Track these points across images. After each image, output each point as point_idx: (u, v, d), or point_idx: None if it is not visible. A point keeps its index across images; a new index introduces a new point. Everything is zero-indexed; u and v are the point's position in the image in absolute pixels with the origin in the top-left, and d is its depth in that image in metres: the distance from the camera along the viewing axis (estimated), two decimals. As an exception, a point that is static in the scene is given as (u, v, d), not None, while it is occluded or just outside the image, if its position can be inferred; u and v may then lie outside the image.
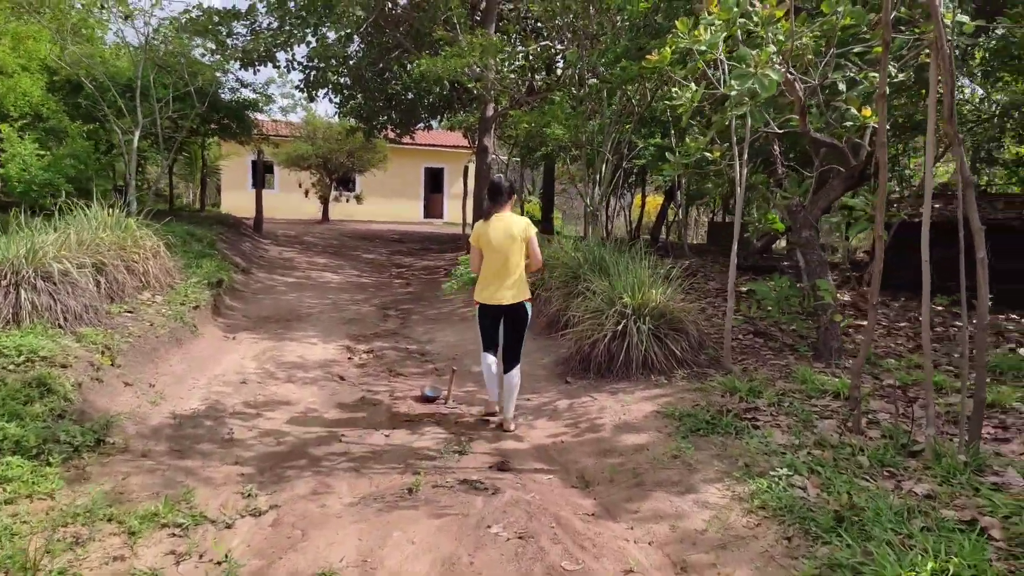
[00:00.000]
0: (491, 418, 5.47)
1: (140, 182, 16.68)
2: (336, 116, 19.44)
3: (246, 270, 11.68)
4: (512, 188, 5.22)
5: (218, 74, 14.66)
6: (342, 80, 17.06)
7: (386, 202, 28.84)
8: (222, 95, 15.03)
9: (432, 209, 31.17)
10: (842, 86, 5.85)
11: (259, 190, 17.19)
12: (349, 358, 7.12)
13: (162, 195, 17.84)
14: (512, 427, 5.20)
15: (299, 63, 15.42)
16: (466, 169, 17.97)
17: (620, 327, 6.01)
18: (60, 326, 5.57)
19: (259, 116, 17.19)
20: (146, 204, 11.17)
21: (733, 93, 4.93)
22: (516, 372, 5.24)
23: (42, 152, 10.18)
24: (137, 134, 11.22)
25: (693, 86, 5.38)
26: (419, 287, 12.20)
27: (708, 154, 5.83)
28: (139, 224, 8.16)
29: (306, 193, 26.12)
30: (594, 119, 10.63)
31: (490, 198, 5.26)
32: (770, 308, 6.56)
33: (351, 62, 16.69)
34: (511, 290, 5.14)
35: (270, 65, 14.94)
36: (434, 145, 30.46)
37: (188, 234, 11.40)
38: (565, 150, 18.12)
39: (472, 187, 22.54)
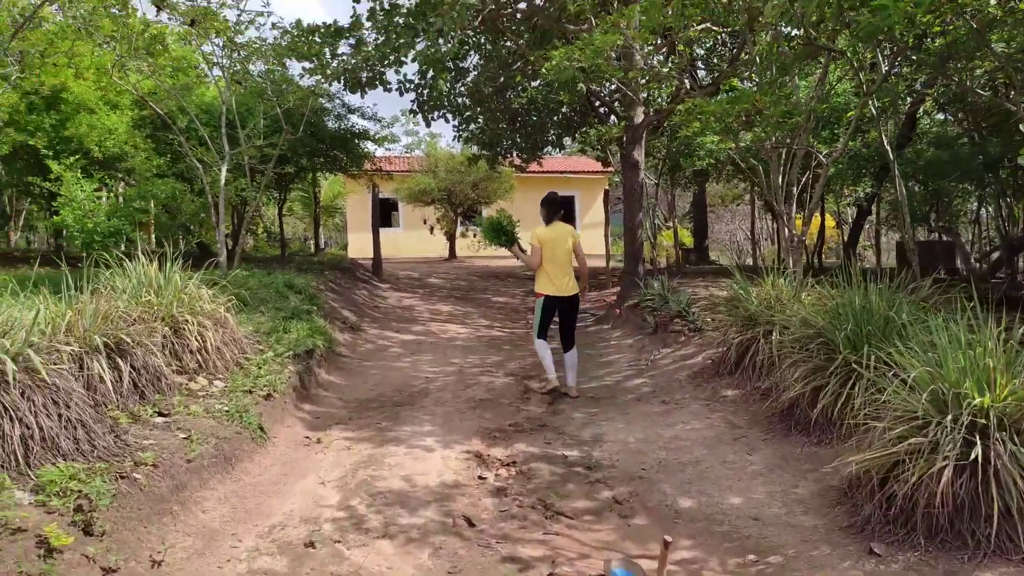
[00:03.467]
0: (556, 391, 6.38)
1: (253, 226, 15.31)
2: (456, 142, 17.52)
3: (355, 326, 9.59)
4: (563, 202, 6.53)
5: (322, 100, 12.99)
6: (459, 100, 15.07)
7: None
8: (327, 123, 13.33)
9: (563, 240, 28.82)
10: None
11: (376, 229, 15.39)
12: (480, 478, 4.64)
13: (275, 239, 16.44)
14: (575, 393, 6.33)
15: (410, 81, 13.49)
16: (606, 193, 15.46)
17: (974, 455, 3.19)
18: (17, 464, 3.42)
19: (371, 147, 15.43)
20: (237, 254, 9.37)
21: None
22: (574, 351, 6.51)
23: (101, 195, 8.55)
24: (224, 169, 9.46)
25: None
26: (563, 341, 9.67)
27: None
28: (198, 282, 6.13)
29: (431, 230, 24.46)
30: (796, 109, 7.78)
31: (548, 209, 6.43)
32: None
33: (468, 79, 14.69)
34: (571, 283, 6.29)
35: (383, 90, 13.14)
36: (563, 172, 28.29)
37: (286, 285, 9.47)
38: (722, 164, 15.24)
39: (619, 211, 20.10)
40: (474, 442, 5.31)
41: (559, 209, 6.38)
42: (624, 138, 10.91)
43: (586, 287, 6.65)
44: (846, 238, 15.79)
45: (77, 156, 9.56)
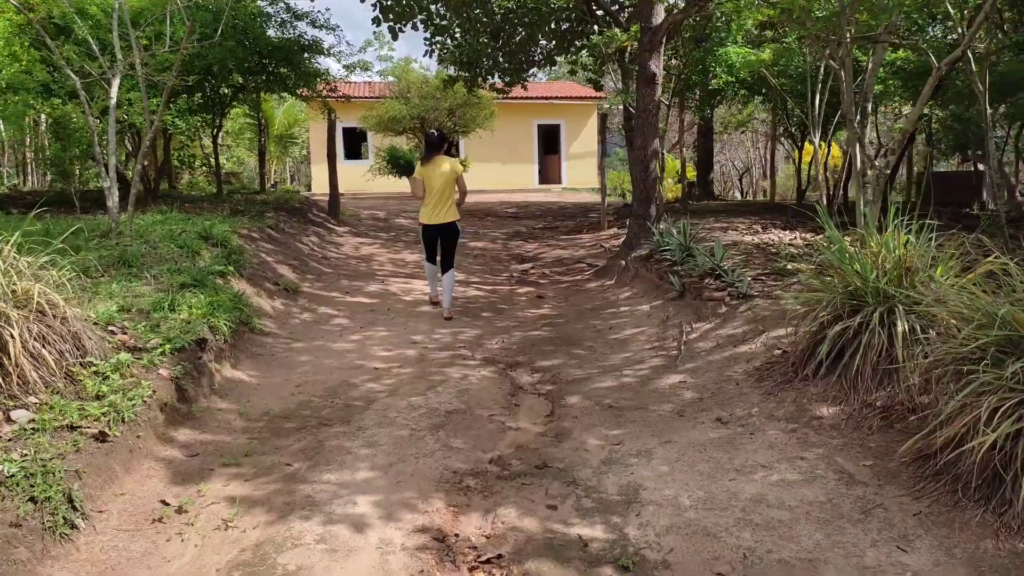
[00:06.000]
0: (434, 307, 7.16)
1: (189, 159, 12.99)
2: (429, 58, 15.15)
3: (291, 288, 7.49)
4: (444, 137, 7.10)
5: (260, 3, 10.56)
6: (432, 6, 12.61)
7: (495, 168, 24.43)
8: (268, 32, 10.89)
9: (548, 173, 26.53)
10: None
11: (332, 161, 13.09)
12: (440, 600, 2.66)
13: (213, 173, 14.05)
14: (449, 315, 6.85)
15: (372, -21, 11.01)
16: (603, 119, 13.20)
17: None
18: None
19: (326, 63, 13.00)
20: (132, 194, 7.16)
21: None
22: (451, 273, 7.04)
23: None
24: (116, 84, 7.15)
25: None
26: (561, 304, 7.65)
27: None
28: (12, 243, 3.97)
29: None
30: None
31: (427, 147, 7.05)
32: None
33: (444, -21, 12.24)
34: (448, 213, 6.99)
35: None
36: (548, 97, 25.79)
37: (201, 236, 7.31)
38: (741, 83, 12.98)
39: (618, 139, 18.05)
40: (435, 504, 3.31)
41: (438, 146, 6.97)
42: (637, 46, 8.66)
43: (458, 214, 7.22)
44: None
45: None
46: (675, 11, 8.39)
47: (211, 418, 4.27)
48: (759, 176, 34.31)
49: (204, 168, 15.41)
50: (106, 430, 3.43)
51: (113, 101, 7.15)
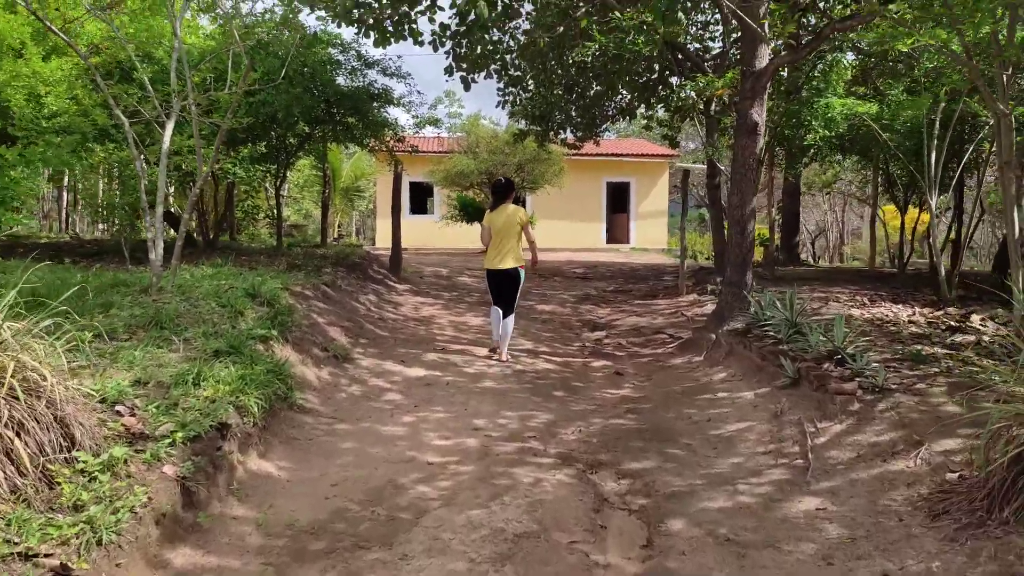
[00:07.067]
0: (493, 354, 7.32)
1: (253, 211, 12.62)
2: (500, 109, 14.65)
3: (341, 354, 6.71)
4: (510, 185, 7.39)
5: (332, 51, 10.17)
6: (505, 56, 12.06)
7: (562, 225, 23.72)
8: (338, 80, 10.46)
9: (616, 232, 25.67)
10: None
11: (396, 215, 12.51)
12: None
13: (273, 225, 13.65)
14: (504, 357, 7.19)
15: (446, 27, 10.52)
16: (685, 174, 12.29)
17: None
18: None
19: (395, 113, 12.57)
20: (178, 247, 6.57)
21: None
22: (511, 318, 7.28)
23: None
24: (170, 128, 6.65)
25: None
26: (644, 383, 6.64)
27: None
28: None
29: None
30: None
31: (493, 195, 7.43)
32: None
33: (519, 28, 11.69)
34: (507, 260, 7.18)
35: (413, 43, 10.24)
36: (618, 154, 25.13)
37: (248, 293, 6.64)
38: (839, 139, 11.94)
39: (676, 199, 17.26)
40: None
41: (504, 194, 7.27)
42: (731, 94, 7.81)
43: (535, 261, 7.52)
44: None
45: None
46: (781, 53, 7.50)
47: (222, 531, 3.42)
48: (836, 239, 32.70)
49: (267, 219, 15.12)
50: (71, 561, 2.61)
51: (165, 146, 6.65)
